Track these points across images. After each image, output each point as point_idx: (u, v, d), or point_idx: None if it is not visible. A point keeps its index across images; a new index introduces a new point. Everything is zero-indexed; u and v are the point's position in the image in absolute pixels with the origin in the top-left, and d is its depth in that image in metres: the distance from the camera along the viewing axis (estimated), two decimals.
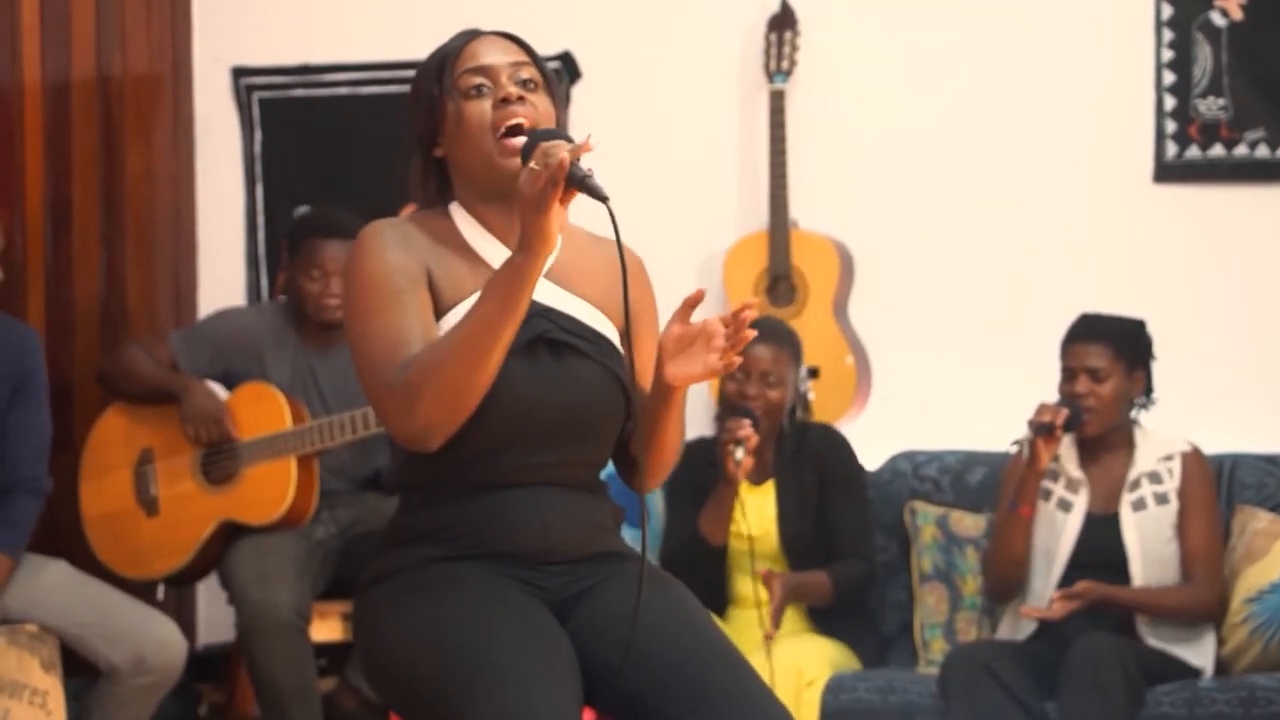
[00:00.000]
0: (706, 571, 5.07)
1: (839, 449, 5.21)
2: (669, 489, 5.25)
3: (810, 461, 5.15)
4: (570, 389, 2.94)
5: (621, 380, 3.02)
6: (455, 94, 2.98)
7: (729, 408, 5.06)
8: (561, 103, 3.06)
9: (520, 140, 2.93)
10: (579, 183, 2.80)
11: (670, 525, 5.24)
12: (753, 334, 2.98)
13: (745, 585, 5.11)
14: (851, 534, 5.12)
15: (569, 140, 2.85)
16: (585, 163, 2.82)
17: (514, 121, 2.96)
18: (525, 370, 2.91)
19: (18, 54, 5.42)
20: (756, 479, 5.14)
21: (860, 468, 5.24)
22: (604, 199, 2.79)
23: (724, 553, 5.09)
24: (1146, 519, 4.92)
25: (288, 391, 5.21)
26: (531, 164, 2.79)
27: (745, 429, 4.88)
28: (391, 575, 2.97)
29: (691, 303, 2.97)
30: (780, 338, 5.13)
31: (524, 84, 2.99)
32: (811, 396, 5.28)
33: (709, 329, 2.98)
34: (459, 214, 3.04)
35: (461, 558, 2.94)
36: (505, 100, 2.96)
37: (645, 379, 3.09)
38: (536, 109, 2.98)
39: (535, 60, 3.04)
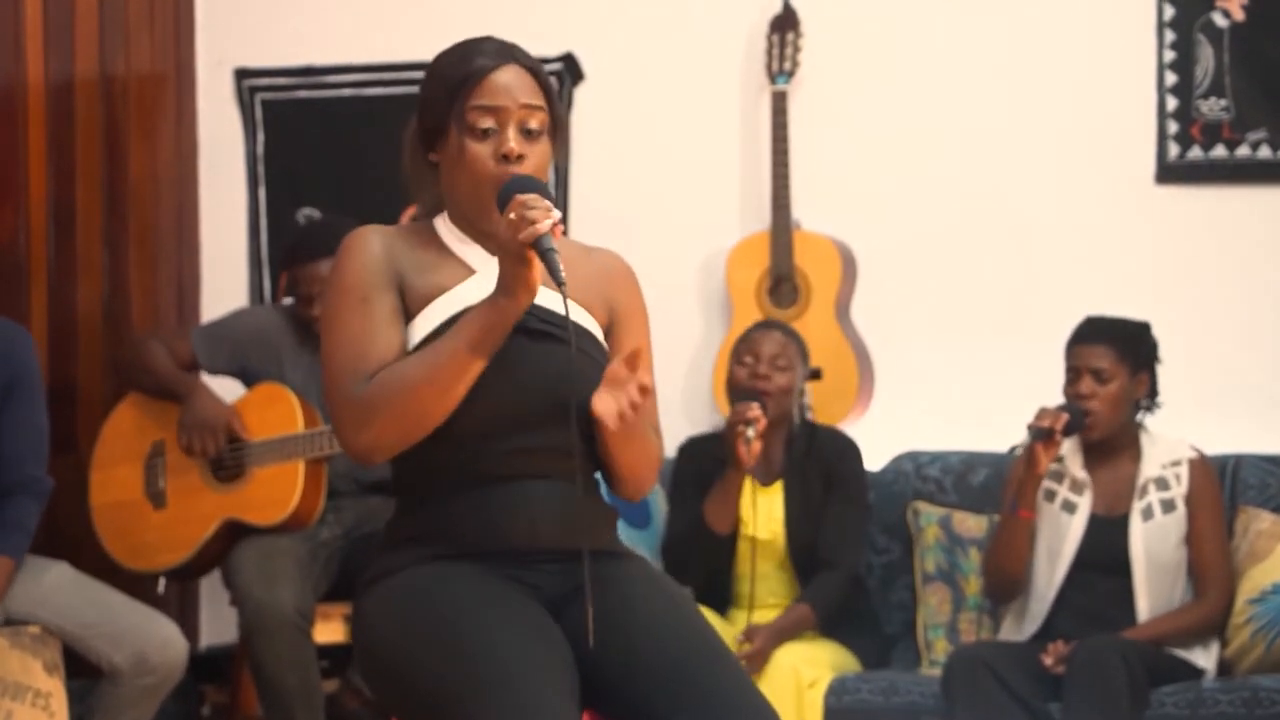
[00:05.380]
0: (710, 561, 5.09)
1: (845, 452, 5.21)
2: (673, 483, 5.28)
3: (818, 464, 5.16)
4: (551, 372, 2.96)
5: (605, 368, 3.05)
6: (463, 126, 3.02)
7: (738, 392, 5.08)
8: (565, 146, 3.12)
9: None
10: (543, 254, 2.85)
11: (673, 516, 5.26)
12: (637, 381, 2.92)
13: (745, 587, 5.11)
14: (837, 539, 5.10)
15: (546, 194, 2.90)
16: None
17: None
18: (505, 355, 2.94)
19: (21, 54, 5.42)
20: (765, 480, 5.15)
21: (862, 473, 5.24)
22: (560, 282, 2.84)
23: (731, 542, 5.09)
24: (1154, 527, 4.92)
25: (301, 394, 5.22)
26: (510, 214, 2.85)
27: (754, 410, 4.92)
28: (387, 576, 3.00)
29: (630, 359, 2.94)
30: (787, 331, 5.21)
31: (528, 134, 3.02)
32: (808, 400, 5.33)
33: (617, 375, 2.95)
34: (443, 225, 3.10)
35: (454, 557, 2.97)
36: (506, 157, 2.99)
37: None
38: (532, 162, 3.01)
39: (550, 100, 3.06)
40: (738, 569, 5.13)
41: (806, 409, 5.31)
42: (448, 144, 3.04)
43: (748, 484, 5.06)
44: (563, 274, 2.84)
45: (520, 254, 2.84)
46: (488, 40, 3.07)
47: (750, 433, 4.92)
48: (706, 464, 5.16)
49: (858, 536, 5.18)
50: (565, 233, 2.93)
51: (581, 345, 3.02)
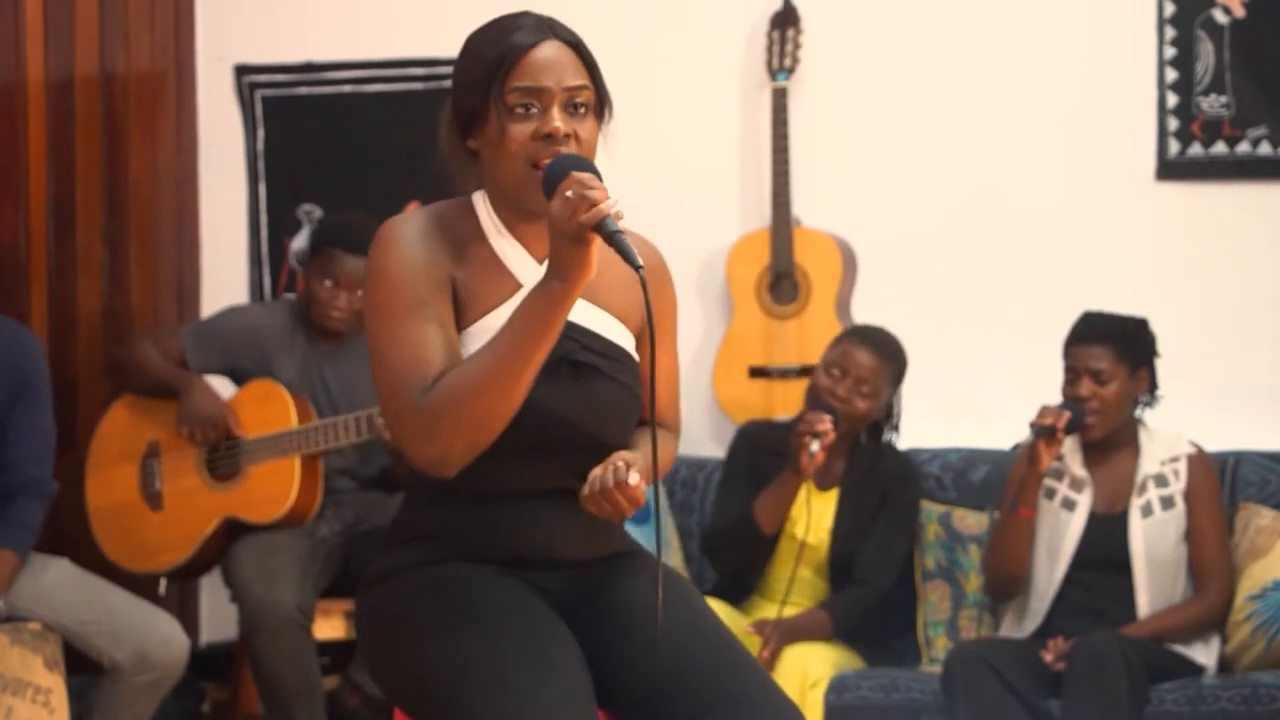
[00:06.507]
0: (747, 556, 5.08)
1: (907, 478, 5.19)
2: (726, 466, 5.26)
3: (878, 483, 5.12)
4: (587, 408, 2.90)
5: (636, 395, 2.99)
6: (502, 107, 2.86)
7: (816, 401, 5.03)
8: (609, 123, 2.97)
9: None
10: (609, 237, 2.70)
11: (720, 502, 5.24)
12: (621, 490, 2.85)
13: (779, 581, 5.10)
14: (874, 560, 5.08)
15: (594, 171, 2.76)
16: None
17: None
18: (545, 389, 2.84)
19: (21, 52, 5.42)
20: (822, 485, 5.12)
21: (918, 503, 5.22)
22: (637, 266, 2.70)
23: (773, 541, 5.08)
24: (1153, 524, 4.92)
25: (295, 390, 5.22)
26: (567, 193, 2.70)
27: (825, 424, 4.86)
28: (395, 574, 2.96)
29: None
30: (887, 352, 5.11)
31: (575, 109, 2.89)
32: (899, 426, 5.25)
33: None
34: (483, 210, 2.95)
35: (465, 559, 2.93)
36: (550, 136, 2.85)
37: (659, 381, 3.06)
38: (580, 141, 2.88)
39: (594, 78, 2.92)
40: (774, 566, 5.12)
41: (893, 424, 5.20)
42: (487, 128, 2.88)
43: (804, 485, 5.03)
44: (638, 258, 2.70)
45: (579, 235, 2.68)
46: (525, 14, 2.92)
47: (815, 446, 4.85)
48: (762, 453, 5.13)
49: (895, 561, 5.13)
50: None
51: (614, 372, 2.93)
